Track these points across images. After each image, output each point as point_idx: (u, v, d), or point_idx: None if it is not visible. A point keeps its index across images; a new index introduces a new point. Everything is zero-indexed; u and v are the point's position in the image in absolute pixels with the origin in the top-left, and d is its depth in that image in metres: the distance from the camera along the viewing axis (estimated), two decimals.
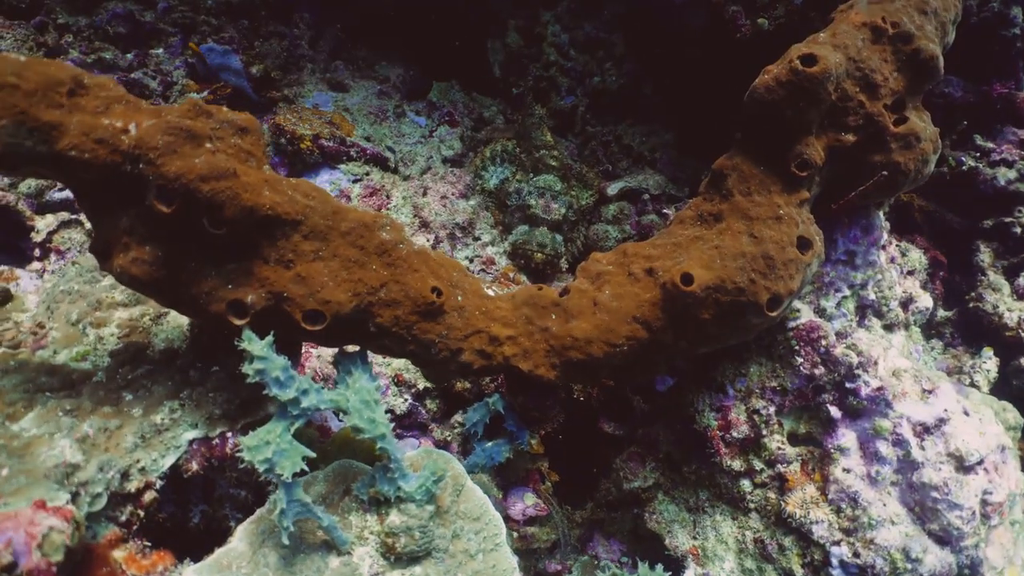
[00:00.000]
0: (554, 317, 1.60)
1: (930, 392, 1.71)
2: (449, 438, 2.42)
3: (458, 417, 2.49)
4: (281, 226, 1.38)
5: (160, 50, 3.04)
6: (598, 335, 1.54)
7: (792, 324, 1.75)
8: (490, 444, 2.46)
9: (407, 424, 2.44)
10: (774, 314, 1.51)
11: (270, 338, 1.40)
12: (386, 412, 2.45)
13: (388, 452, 1.51)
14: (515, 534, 2.48)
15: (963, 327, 2.57)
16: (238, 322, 1.40)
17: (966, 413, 1.69)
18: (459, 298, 1.59)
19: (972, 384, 2.25)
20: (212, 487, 1.69)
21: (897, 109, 1.54)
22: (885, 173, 1.51)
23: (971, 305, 2.49)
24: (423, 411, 2.42)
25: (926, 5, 1.54)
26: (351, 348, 1.64)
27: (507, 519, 2.51)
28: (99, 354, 1.71)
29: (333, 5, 3.68)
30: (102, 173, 1.24)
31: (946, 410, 1.68)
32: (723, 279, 1.47)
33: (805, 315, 1.75)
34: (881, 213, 1.78)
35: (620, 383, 2.11)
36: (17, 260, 2.52)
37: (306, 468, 1.43)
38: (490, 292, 1.66)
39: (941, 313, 2.58)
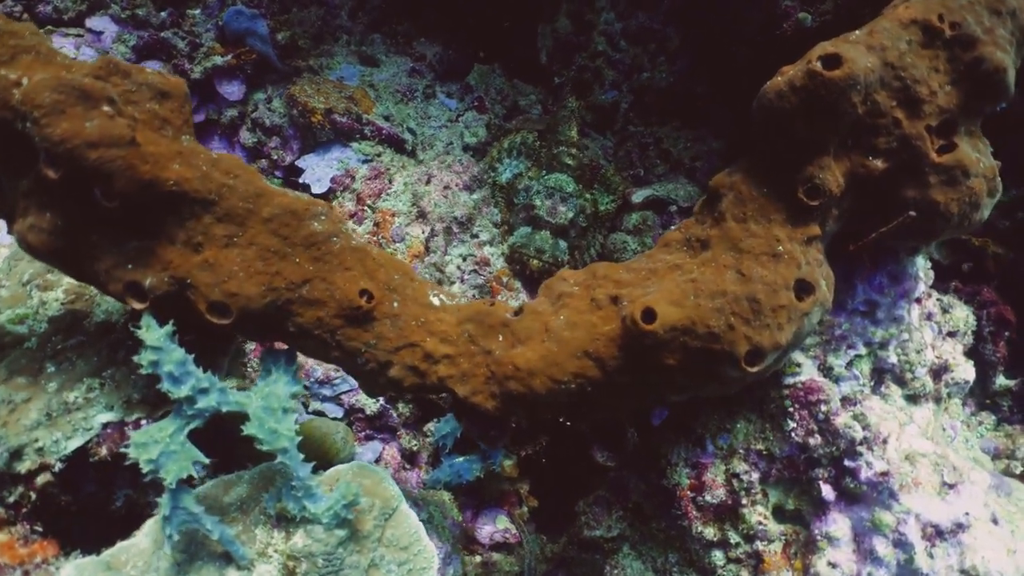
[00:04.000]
0: (500, 339, 1.40)
1: (951, 487, 1.40)
2: (417, 447, 2.26)
3: (431, 425, 2.33)
4: (190, 204, 1.24)
5: (197, 11, 3.00)
6: (543, 367, 1.33)
7: (788, 381, 1.47)
8: (460, 460, 2.28)
9: (377, 426, 2.30)
10: (754, 369, 1.25)
11: (169, 327, 1.27)
12: (355, 412, 2.34)
13: (291, 469, 1.36)
14: (478, 558, 2.30)
15: None
16: (138, 306, 1.28)
17: (995, 521, 1.37)
18: (395, 305, 1.41)
19: None
20: (137, 471, 1.59)
21: (945, 133, 1.23)
22: (912, 214, 1.21)
23: None
24: (394, 414, 2.27)
25: (1002, 4, 1.21)
26: (281, 345, 1.50)
27: (472, 541, 2.33)
28: (39, 318, 1.64)
29: None
30: None
31: (968, 514, 1.36)
32: (694, 320, 1.22)
33: (806, 372, 1.47)
34: (919, 259, 1.46)
35: (575, 424, 1.87)
36: None
37: (194, 474, 1.30)
38: (435, 300, 1.47)
39: (1001, 381, 2.18)
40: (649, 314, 1.23)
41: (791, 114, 1.18)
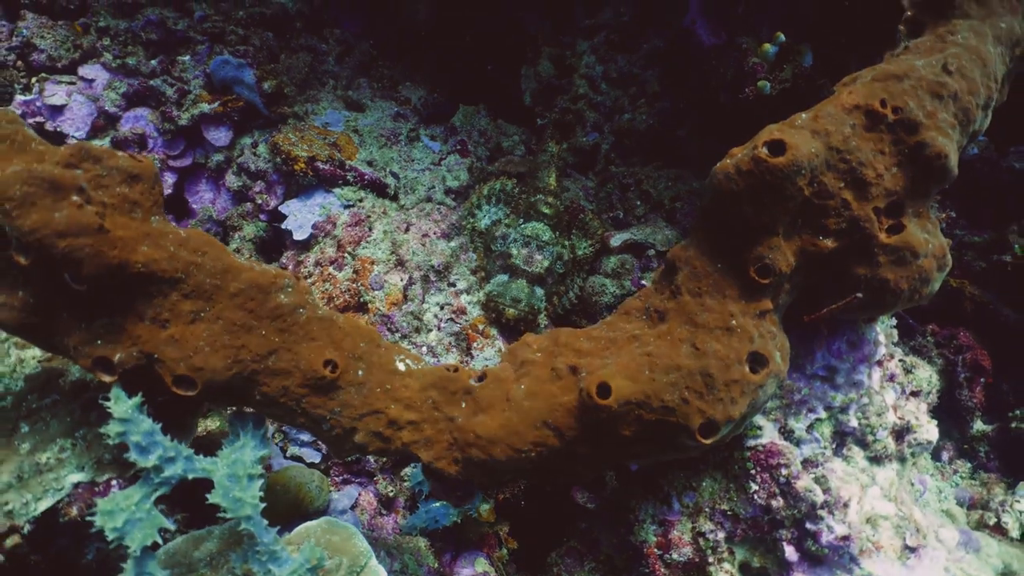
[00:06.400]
0: (463, 406, 1.43)
1: (913, 551, 1.41)
2: (394, 492, 2.28)
3: (408, 469, 2.35)
4: (158, 283, 1.28)
5: (187, 57, 3.06)
6: (503, 436, 1.35)
7: (750, 443, 1.50)
8: (437, 505, 2.29)
9: (355, 471, 2.32)
10: (709, 441, 1.27)
11: (138, 399, 1.31)
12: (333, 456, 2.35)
13: (254, 535, 1.38)
14: None
15: (1003, 448, 2.18)
16: (106, 379, 1.31)
17: None
18: (360, 372, 1.44)
19: (998, 525, 1.89)
20: None
21: (893, 214, 1.26)
22: (859, 296, 1.24)
23: (1014, 425, 2.11)
24: (371, 459, 2.29)
25: (943, 88, 1.25)
26: (249, 409, 1.53)
27: None
28: (15, 377, 1.67)
29: (374, 22, 3.63)
30: None
31: None
32: (648, 395, 1.25)
33: (767, 435, 1.49)
34: (878, 326, 1.49)
35: (537, 486, 1.90)
36: None
37: (159, 541, 1.32)
38: (401, 366, 1.50)
39: (978, 427, 2.20)
40: (604, 388, 1.26)
41: (739, 196, 1.22)
